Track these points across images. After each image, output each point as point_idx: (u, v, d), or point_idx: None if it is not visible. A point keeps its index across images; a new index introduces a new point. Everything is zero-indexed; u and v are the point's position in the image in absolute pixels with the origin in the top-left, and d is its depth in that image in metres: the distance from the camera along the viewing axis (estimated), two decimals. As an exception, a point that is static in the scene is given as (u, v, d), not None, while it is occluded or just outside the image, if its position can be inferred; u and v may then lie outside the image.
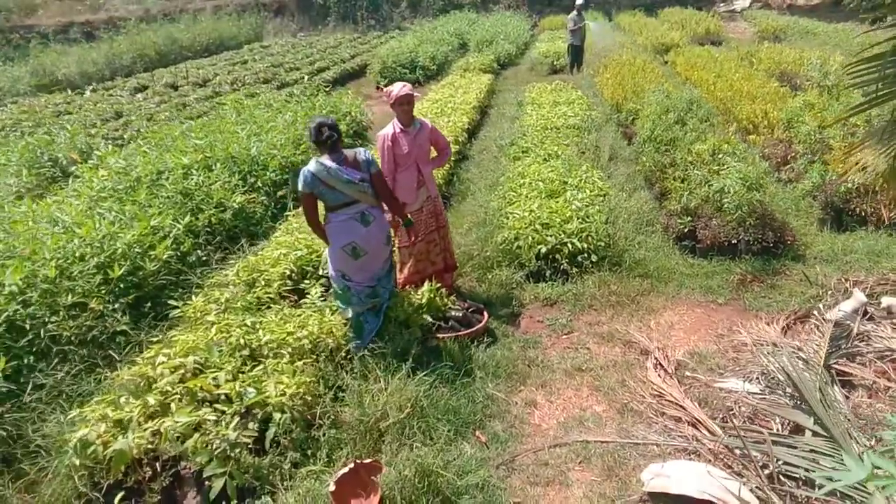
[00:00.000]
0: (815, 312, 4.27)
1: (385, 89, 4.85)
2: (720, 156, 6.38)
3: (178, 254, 5.19)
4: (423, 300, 4.54)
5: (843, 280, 4.78)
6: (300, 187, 4.08)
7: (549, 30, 23.79)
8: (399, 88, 4.67)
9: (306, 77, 15.28)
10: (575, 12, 15.24)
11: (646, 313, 4.88)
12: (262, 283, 4.68)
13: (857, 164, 3.70)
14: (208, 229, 5.71)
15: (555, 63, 16.90)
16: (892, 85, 3.55)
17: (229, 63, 19.83)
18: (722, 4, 28.76)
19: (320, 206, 4.21)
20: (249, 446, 3.27)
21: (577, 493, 3.17)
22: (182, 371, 3.67)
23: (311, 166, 4.04)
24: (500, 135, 9.63)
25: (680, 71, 13.28)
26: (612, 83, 11.44)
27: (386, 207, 4.45)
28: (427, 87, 15.12)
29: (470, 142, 9.93)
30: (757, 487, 2.88)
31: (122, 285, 4.56)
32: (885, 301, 4.40)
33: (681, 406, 3.63)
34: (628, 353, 4.37)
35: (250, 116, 8.59)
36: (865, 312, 4.27)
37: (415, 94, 4.79)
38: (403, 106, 4.67)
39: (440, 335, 4.42)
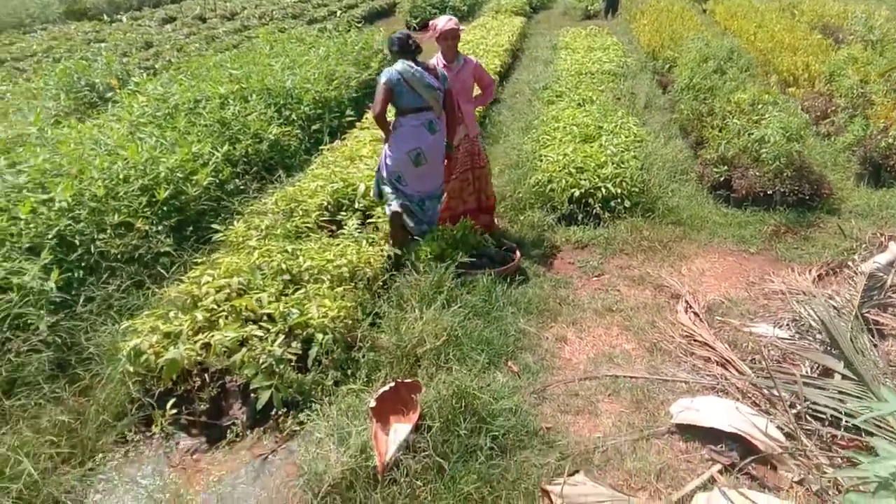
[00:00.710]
0: (850, 263, 4.28)
1: (431, 22, 4.79)
2: (760, 106, 6.29)
3: (218, 181, 5.28)
4: (458, 235, 4.61)
5: (878, 234, 4.77)
6: (383, 80, 4.20)
7: (583, -27, 23.08)
8: (444, 22, 4.62)
9: (338, 13, 15.03)
10: None
11: (677, 259, 4.92)
12: (301, 212, 4.77)
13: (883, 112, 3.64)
14: (245, 159, 5.78)
15: (589, 8, 16.54)
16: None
17: (257, -4, 19.54)
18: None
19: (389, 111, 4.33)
20: (293, 363, 3.41)
21: (606, 423, 3.28)
22: (227, 291, 3.80)
23: (399, 66, 4.22)
24: (534, 78, 9.50)
25: (719, 20, 12.92)
26: (649, 30, 11.19)
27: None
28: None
29: (502, 85, 9.81)
30: (784, 425, 2.97)
31: (165, 208, 4.68)
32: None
33: (710, 346, 3.71)
34: (659, 297, 4.43)
35: (283, 50, 8.54)
36: (900, 266, 4.28)
37: (460, 28, 4.73)
38: (448, 41, 4.64)
39: (473, 271, 4.50)
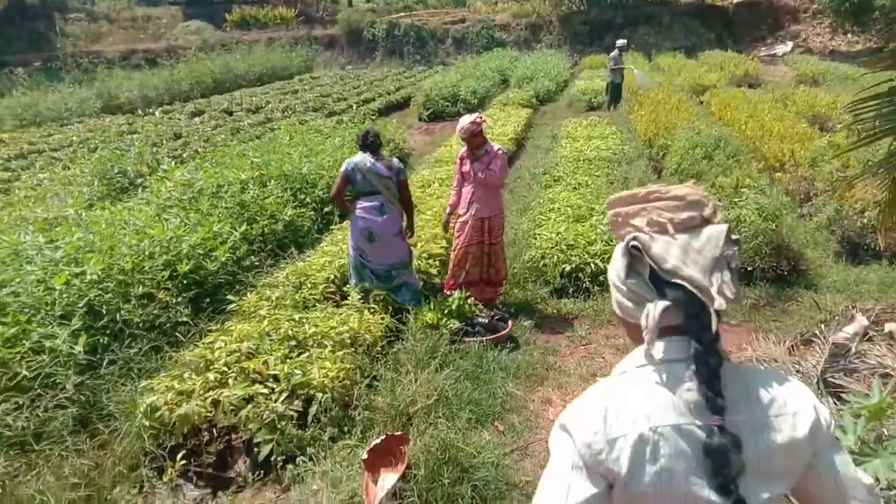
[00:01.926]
0: (817, 332, 4.55)
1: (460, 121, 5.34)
2: (742, 189, 6.71)
3: (235, 257, 5.74)
4: (453, 306, 4.98)
5: (850, 307, 5.04)
6: (342, 169, 5.04)
7: (588, 68, 24.32)
8: (463, 123, 5.21)
9: (353, 106, 16.03)
10: (616, 52, 15.76)
11: (661, 330, 5.20)
12: (309, 285, 5.18)
13: (857, 194, 4.03)
14: (261, 238, 6.27)
15: (592, 100, 17.37)
16: (889, 122, 3.91)
17: (281, 92, 20.86)
18: (763, 48, 28.97)
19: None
20: (294, 420, 3.72)
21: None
22: (237, 354, 4.15)
23: (356, 157, 5.03)
24: (535, 164, 10.10)
25: (714, 111, 13.62)
26: (646, 120, 11.85)
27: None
28: (467, 119, 15.73)
29: (507, 170, 10.39)
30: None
31: (185, 281, 5.11)
32: (888, 326, 4.65)
33: (684, 408, 3.95)
34: (641, 363, 4.70)
35: (302, 140, 9.25)
36: (867, 335, 4.54)
37: (481, 122, 5.23)
38: (469, 137, 5.20)
39: (467, 339, 4.83)
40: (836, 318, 5.00)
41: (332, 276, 5.31)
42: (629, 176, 8.76)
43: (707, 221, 1.19)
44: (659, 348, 1.15)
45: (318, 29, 35.26)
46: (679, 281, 1.13)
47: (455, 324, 4.87)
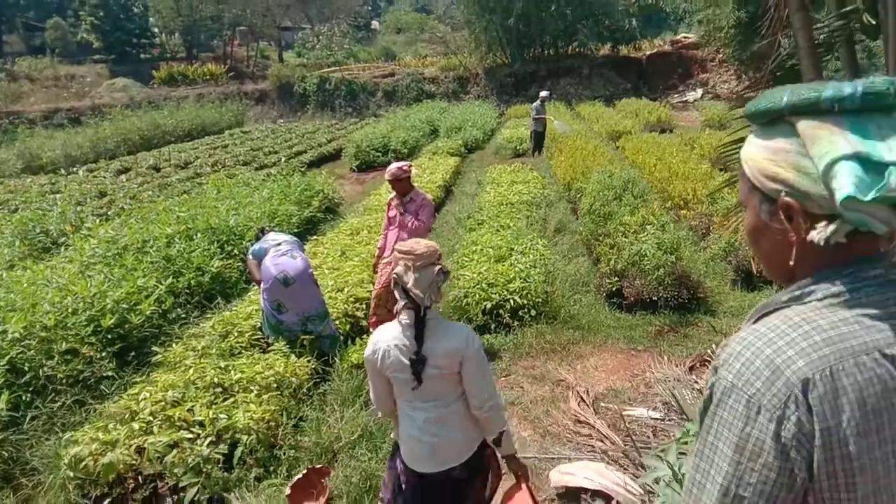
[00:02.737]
0: (710, 352, 4.99)
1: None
2: (646, 226, 7.26)
3: (161, 310, 5.80)
4: (378, 346, 5.19)
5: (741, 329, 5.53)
6: (250, 256, 5.39)
7: (514, 118, 25.35)
8: (390, 170, 5.52)
9: (283, 159, 16.24)
10: (538, 102, 16.65)
11: (574, 358, 5.56)
12: (235, 333, 5.30)
13: (731, 226, 4.52)
14: (188, 290, 6.35)
15: (517, 147, 18.13)
16: (750, 161, 4.44)
17: (210, 147, 20.87)
18: (676, 95, 30.96)
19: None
20: (220, 464, 3.82)
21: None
22: (162, 403, 4.23)
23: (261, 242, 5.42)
24: (461, 209, 10.51)
25: (628, 155, 14.49)
26: (565, 165, 12.52)
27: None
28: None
29: (434, 217, 10.78)
30: (643, 483, 3.50)
31: (110, 336, 5.15)
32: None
33: (592, 426, 4.27)
34: (556, 390, 5.01)
35: (230, 193, 9.38)
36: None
37: (405, 172, 5.53)
38: (395, 182, 5.51)
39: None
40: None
41: (259, 324, 5.44)
42: (548, 217, 9.26)
43: (433, 264, 2.46)
44: (405, 315, 2.47)
45: (248, 84, 35.55)
46: (411, 292, 2.42)
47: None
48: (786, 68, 3.99)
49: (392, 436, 2.78)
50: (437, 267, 2.46)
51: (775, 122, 1.02)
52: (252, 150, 19.21)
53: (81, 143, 21.00)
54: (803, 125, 0.97)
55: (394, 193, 5.72)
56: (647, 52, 33.97)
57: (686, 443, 2.52)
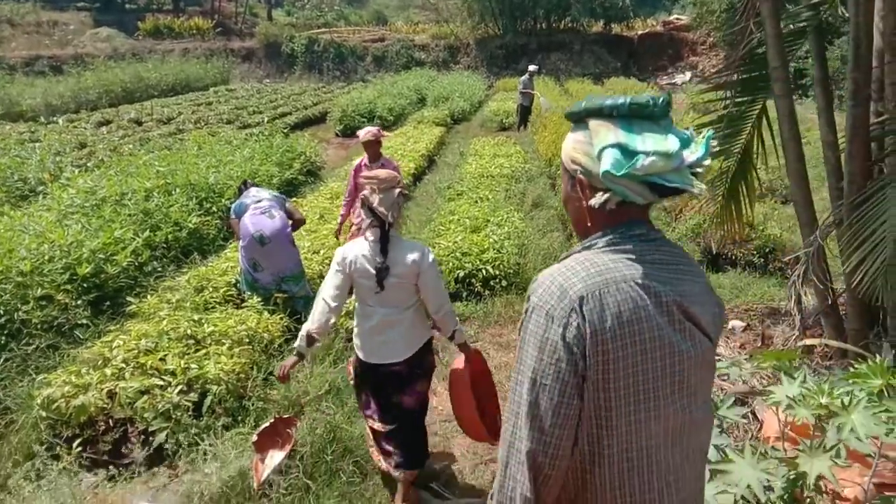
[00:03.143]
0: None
1: (358, 132, 5.78)
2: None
3: (137, 263, 5.87)
4: (351, 307, 5.31)
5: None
6: (232, 215, 5.40)
7: (503, 90, 25.32)
8: (363, 134, 5.60)
9: (265, 119, 16.13)
10: (527, 76, 16.65)
11: (541, 329, 5.73)
12: (210, 288, 5.39)
13: (697, 207, 4.68)
14: (165, 245, 6.41)
15: (504, 121, 18.17)
16: (719, 145, 4.58)
17: (194, 103, 20.62)
18: (665, 77, 31.02)
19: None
20: (189, 411, 3.95)
21: (455, 452, 3.94)
22: (135, 351, 4.34)
23: (242, 197, 5.45)
24: (442, 180, 10.60)
25: (612, 133, 14.61)
26: (548, 140, 12.61)
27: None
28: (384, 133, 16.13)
29: (415, 185, 10.87)
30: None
31: (85, 285, 5.22)
32: (732, 323, 5.36)
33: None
34: (520, 358, 5.20)
35: (211, 150, 9.37)
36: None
37: (381, 136, 5.68)
38: (368, 147, 5.60)
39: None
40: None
41: (235, 281, 5.54)
42: (527, 191, 9.38)
43: (394, 188, 3.03)
44: (370, 232, 3.05)
45: (235, 41, 34.93)
46: (376, 210, 2.97)
47: (350, 322, 5.20)
48: (756, 55, 4.12)
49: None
50: (398, 190, 3.06)
51: (579, 121, 1.40)
52: (236, 108, 19.02)
53: (63, 93, 20.62)
54: (593, 123, 1.34)
55: (364, 159, 5.80)
56: (639, 32, 33.92)
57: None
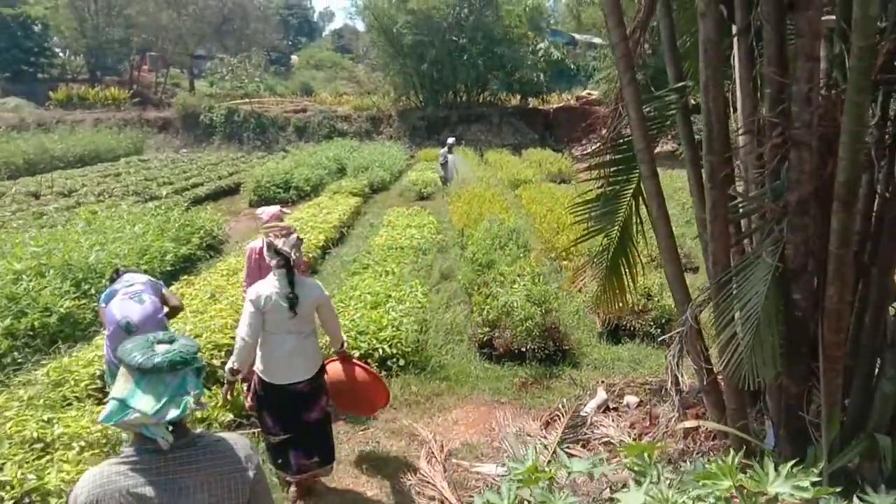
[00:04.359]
0: (560, 407, 5.04)
1: (257, 211, 5.49)
2: (523, 277, 7.38)
3: (-8, 355, 5.31)
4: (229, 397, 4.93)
5: (599, 382, 5.66)
6: (102, 304, 4.79)
7: (424, 160, 25.67)
8: (268, 214, 5.32)
9: (165, 193, 15.64)
10: (445, 149, 16.98)
11: (437, 411, 5.49)
12: (72, 381, 4.91)
13: (579, 285, 4.64)
14: (31, 332, 5.86)
15: (422, 190, 18.27)
16: (598, 223, 4.60)
17: (101, 174, 19.84)
18: (579, 148, 32.29)
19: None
20: (21, 531, 3.46)
21: None
22: (-34, 461, 3.82)
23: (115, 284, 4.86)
24: (348, 252, 10.39)
25: (524, 204, 14.89)
26: (461, 211, 12.69)
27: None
28: (298, 206, 15.88)
29: (323, 258, 10.61)
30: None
31: (-79, 383, 4.64)
32: (626, 399, 5.28)
33: (436, 487, 4.18)
34: (411, 445, 4.92)
35: (100, 226, 8.86)
36: (606, 407, 5.11)
37: (282, 214, 5.45)
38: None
39: (239, 431, 4.79)
40: (589, 392, 5.58)
41: (100, 372, 5.08)
42: (434, 263, 9.28)
43: (292, 233, 3.89)
44: (278, 271, 3.79)
45: (151, 111, 34.27)
46: (282, 251, 3.73)
47: (227, 416, 4.82)
48: (627, 137, 4.19)
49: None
50: (294, 234, 3.92)
51: (121, 362, 1.74)
52: (146, 179, 18.41)
53: (-44, 164, 19.49)
54: (122, 370, 1.72)
55: (258, 242, 5.47)
56: (555, 106, 35.45)
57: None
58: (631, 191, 4.40)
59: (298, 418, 3.98)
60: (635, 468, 2.33)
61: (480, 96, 35.52)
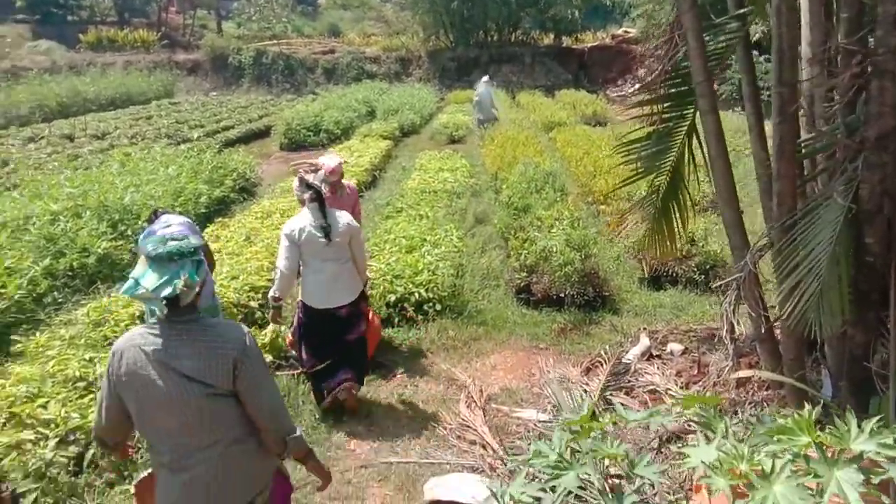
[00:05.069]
0: (603, 353, 4.93)
1: (320, 161, 5.17)
2: (560, 221, 7.18)
3: (34, 294, 5.35)
4: (266, 340, 4.91)
5: (641, 329, 5.52)
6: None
7: (454, 103, 25.16)
8: (329, 169, 4.96)
9: (197, 135, 15.55)
10: (482, 87, 16.58)
11: (475, 356, 5.42)
12: (112, 322, 4.92)
13: (626, 227, 4.45)
14: (70, 272, 5.89)
15: (453, 133, 17.91)
16: (647, 163, 4.36)
17: (133, 117, 19.84)
18: (614, 89, 31.34)
19: None
20: (69, 467, 3.50)
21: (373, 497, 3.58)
22: (12, 399, 3.86)
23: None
24: (381, 196, 10.25)
25: (559, 147, 14.49)
26: (494, 154, 12.40)
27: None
28: (328, 149, 15.71)
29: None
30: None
31: (-34, 321, 4.70)
32: (670, 346, 5.14)
33: (477, 431, 4.13)
34: (449, 389, 4.87)
35: (134, 168, 8.83)
36: (650, 355, 4.98)
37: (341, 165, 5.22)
38: (333, 178, 5.08)
39: (279, 372, 4.78)
40: (630, 339, 5.45)
41: (139, 312, 5.08)
42: (468, 207, 9.10)
43: (320, 170, 4.66)
44: (311, 204, 4.12)
45: (180, 53, 34.01)
46: (313, 185, 4.11)
47: (268, 357, 4.80)
48: (681, 69, 3.91)
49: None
50: (323, 171, 4.51)
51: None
52: (177, 122, 18.35)
53: (-9, 107, 19.62)
54: (141, 258, 2.19)
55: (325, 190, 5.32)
56: (589, 45, 34.23)
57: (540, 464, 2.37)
58: (685, 128, 4.14)
59: (340, 339, 4.31)
60: (699, 420, 2.20)
61: (512, 35, 34.39)
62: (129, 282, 2.11)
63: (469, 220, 8.74)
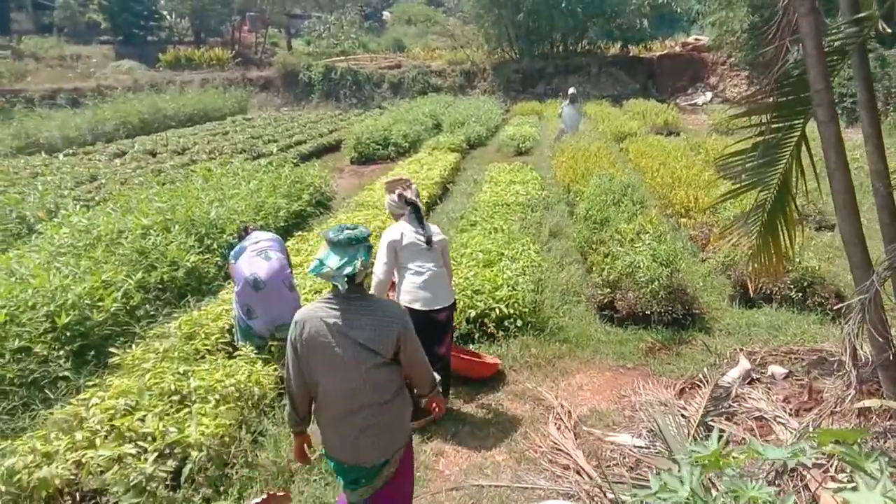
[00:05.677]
0: (701, 376, 4.68)
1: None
2: (642, 235, 6.94)
3: (128, 307, 5.53)
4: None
5: (737, 350, 5.24)
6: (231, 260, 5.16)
7: (520, 115, 25.00)
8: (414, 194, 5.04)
9: (274, 150, 15.94)
10: (568, 101, 16.40)
11: (560, 375, 5.26)
12: (202, 335, 5.02)
13: (731, 241, 4.22)
14: (160, 286, 6.07)
15: (520, 145, 17.76)
16: (752, 176, 4.13)
17: (210, 133, 20.56)
18: (685, 98, 30.51)
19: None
20: (167, 482, 3.55)
21: None
22: (112, 411, 3.96)
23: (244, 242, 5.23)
24: (456, 209, 10.20)
25: (632, 158, 14.14)
26: (565, 166, 12.18)
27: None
28: (398, 162, 15.84)
29: (428, 215, 10.48)
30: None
31: (68, 333, 4.88)
32: (771, 369, 4.85)
33: (570, 455, 3.98)
34: (536, 410, 4.73)
35: (217, 183, 9.09)
36: (750, 378, 4.71)
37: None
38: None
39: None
40: (726, 360, 5.18)
41: (228, 326, 5.17)
42: (542, 221, 8.94)
43: (411, 184, 4.55)
44: (409, 215, 4.40)
45: (253, 70, 35.19)
46: (409, 199, 4.38)
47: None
48: (793, 76, 3.68)
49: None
50: (414, 186, 4.51)
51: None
52: (251, 137, 18.90)
53: (79, 125, 20.66)
54: (323, 244, 2.69)
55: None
56: (658, 53, 33.51)
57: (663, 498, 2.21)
58: (794, 139, 3.90)
59: (431, 350, 4.12)
60: (845, 458, 2.00)
61: (578, 45, 34.04)
62: (315, 262, 2.57)
63: (544, 233, 8.58)
